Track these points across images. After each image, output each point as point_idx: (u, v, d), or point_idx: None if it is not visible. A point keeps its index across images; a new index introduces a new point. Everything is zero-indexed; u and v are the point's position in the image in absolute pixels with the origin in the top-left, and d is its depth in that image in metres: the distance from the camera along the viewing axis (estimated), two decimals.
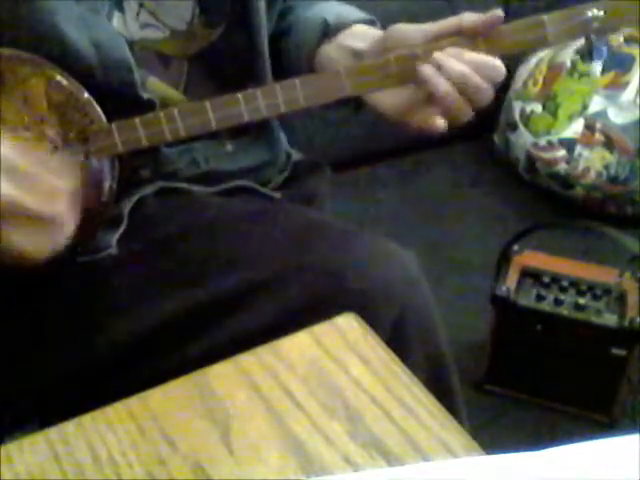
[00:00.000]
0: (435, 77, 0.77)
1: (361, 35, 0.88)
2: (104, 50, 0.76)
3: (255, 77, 0.88)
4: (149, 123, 0.75)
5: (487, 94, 0.78)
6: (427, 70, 0.77)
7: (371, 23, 0.90)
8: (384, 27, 0.89)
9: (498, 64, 0.78)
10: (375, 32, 0.88)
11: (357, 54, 0.86)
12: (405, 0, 1.78)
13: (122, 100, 0.78)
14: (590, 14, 0.76)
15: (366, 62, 0.80)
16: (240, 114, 0.76)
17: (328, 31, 0.89)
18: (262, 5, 0.87)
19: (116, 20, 0.81)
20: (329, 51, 0.89)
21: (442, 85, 0.77)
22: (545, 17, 0.76)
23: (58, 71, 0.74)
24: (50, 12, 0.74)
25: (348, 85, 0.77)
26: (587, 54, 1.68)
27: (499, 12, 0.76)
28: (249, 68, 0.88)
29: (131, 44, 0.81)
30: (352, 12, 0.92)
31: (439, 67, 0.77)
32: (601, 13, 0.75)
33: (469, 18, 0.78)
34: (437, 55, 0.77)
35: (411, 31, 0.81)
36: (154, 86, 0.84)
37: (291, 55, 0.94)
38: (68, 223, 0.71)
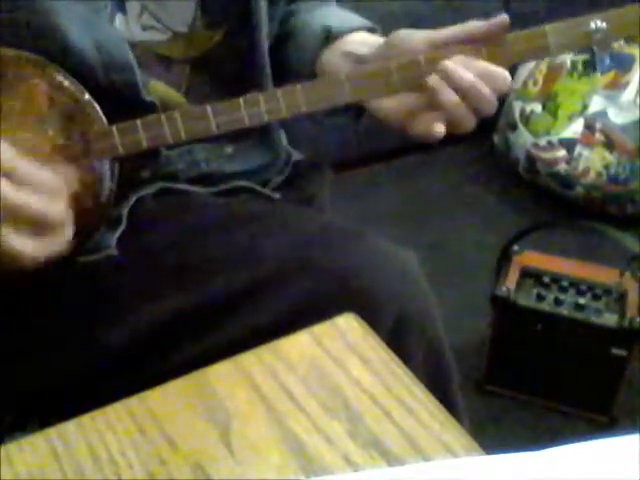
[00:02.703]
0: (443, 87, 0.77)
1: (363, 42, 0.87)
2: (106, 51, 0.76)
3: (256, 80, 0.88)
4: (150, 126, 0.75)
5: (492, 104, 0.78)
6: (435, 80, 0.77)
7: (372, 30, 0.90)
8: (384, 29, 0.88)
9: (505, 74, 0.78)
10: (376, 39, 0.87)
11: (359, 60, 0.86)
12: (406, 0, 1.78)
13: (124, 102, 0.78)
14: (593, 25, 0.75)
15: (368, 68, 0.79)
16: (241, 119, 0.76)
17: (330, 37, 0.89)
18: (264, 8, 0.87)
19: (118, 22, 0.81)
20: (330, 57, 0.89)
21: (450, 96, 0.76)
22: (547, 27, 0.76)
23: (59, 72, 0.74)
24: (52, 13, 0.74)
25: (349, 91, 0.77)
26: (591, 65, 1.69)
27: (504, 17, 0.76)
28: (250, 71, 0.88)
29: (133, 46, 0.81)
30: (353, 18, 0.92)
31: (447, 75, 0.76)
32: (604, 25, 0.75)
33: (474, 25, 0.78)
34: (446, 63, 0.77)
35: (414, 38, 0.81)
36: (156, 88, 0.84)
37: (292, 60, 0.93)
38: (68, 224, 0.71)
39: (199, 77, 0.87)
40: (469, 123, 0.79)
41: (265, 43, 0.88)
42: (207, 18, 0.86)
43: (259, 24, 0.86)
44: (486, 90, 0.77)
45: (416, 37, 0.81)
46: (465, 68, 0.77)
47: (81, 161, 0.73)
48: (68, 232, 0.72)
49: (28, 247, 0.69)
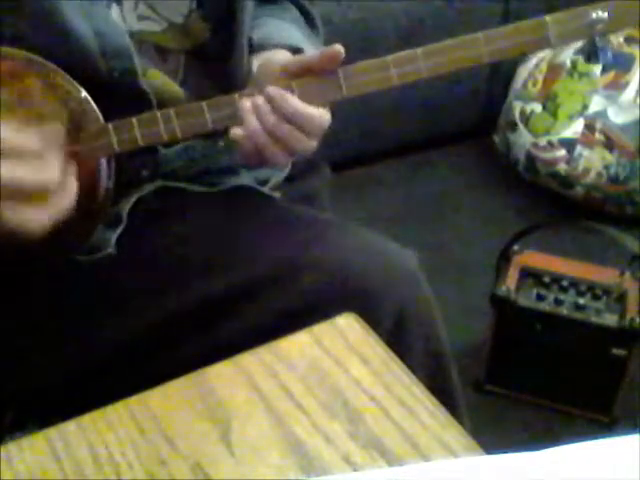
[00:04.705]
0: (248, 114, 0.75)
1: (268, 60, 0.86)
2: (105, 38, 0.76)
3: (240, 74, 0.87)
4: (145, 123, 0.75)
5: (302, 145, 0.76)
6: (245, 105, 0.75)
7: (297, 51, 0.88)
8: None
9: (318, 115, 0.75)
10: (284, 59, 0.85)
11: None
12: (406, 0, 1.78)
13: (122, 89, 0.78)
14: (594, 15, 0.76)
15: (362, 63, 0.79)
16: (236, 115, 0.76)
17: (252, 48, 0.89)
18: (249, 5, 0.87)
19: (114, 12, 0.81)
20: (254, 68, 0.89)
21: (252, 123, 0.75)
22: (548, 18, 0.76)
23: (55, 70, 0.74)
24: (52, 1, 0.74)
25: (344, 86, 0.76)
26: (592, 55, 1.68)
27: (338, 47, 0.74)
28: (236, 64, 0.88)
29: (129, 36, 0.81)
30: (287, 35, 0.90)
31: (256, 110, 0.75)
32: (604, 15, 0.75)
33: (308, 57, 0.77)
34: (256, 99, 0.75)
35: (272, 64, 0.80)
36: (154, 76, 0.84)
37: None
38: (70, 182, 0.71)
39: (195, 67, 0.87)
40: (278, 159, 0.77)
41: (245, 39, 0.88)
42: (202, 9, 0.86)
43: (241, 18, 0.86)
44: (287, 133, 0.75)
45: (273, 64, 0.80)
46: (275, 106, 0.74)
47: (77, 159, 0.73)
48: (71, 191, 0.71)
49: (31, 216, 0.68)
